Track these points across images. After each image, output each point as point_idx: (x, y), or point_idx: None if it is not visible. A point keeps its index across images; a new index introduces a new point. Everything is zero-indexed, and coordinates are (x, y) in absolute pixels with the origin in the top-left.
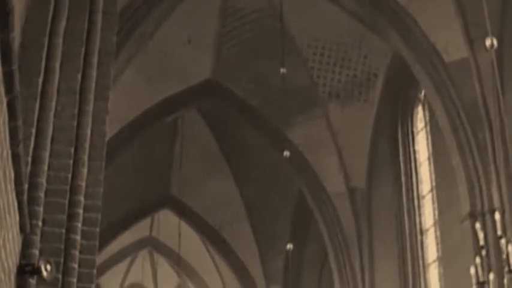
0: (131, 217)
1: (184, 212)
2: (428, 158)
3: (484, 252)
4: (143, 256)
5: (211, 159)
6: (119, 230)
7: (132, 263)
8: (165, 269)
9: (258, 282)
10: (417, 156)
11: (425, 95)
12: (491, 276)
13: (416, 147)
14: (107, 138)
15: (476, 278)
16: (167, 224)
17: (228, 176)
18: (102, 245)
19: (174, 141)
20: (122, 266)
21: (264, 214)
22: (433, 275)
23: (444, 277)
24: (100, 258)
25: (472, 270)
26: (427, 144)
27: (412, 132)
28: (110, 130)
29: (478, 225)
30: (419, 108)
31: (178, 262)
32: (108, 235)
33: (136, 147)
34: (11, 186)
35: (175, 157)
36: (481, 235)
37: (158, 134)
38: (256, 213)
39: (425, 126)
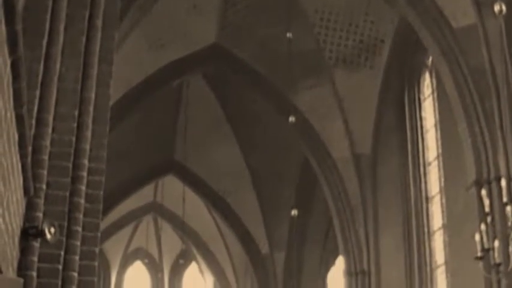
0: (135, 182)
1: (188, 177)
2: (435, 125)
3: (489, 219)
4: (147, 221)
5: (216, 124)
6: (123, 195)
7: (136, 228)
8: (169, 235)
9: (262, 248)
10: (424, 123)
11: (432, 62)
12: (496, 243)
13: (423, 114)
14: (111, 102)
15: (481, 244)
16: (171, 190)
17: (233, 142)
18: (106, 210)
19: (179, 106)
20: (126, 231)
21: (268, 180)
22: (438, 242)
23: (449, 245)
24: (104, 224)
25: (477, 237)
26: (434, 111)
27: (419, 98)
28: (114, 95)
29: (483, 192)
30: (426, 75)
31: (182, 228)
32: (112, 200)
33: (141, 113)
34: (15, 149)
35: (180, 122)
36: (486, 202)
37: (163, 99)
38: (261, 179)
39: (432, 93)
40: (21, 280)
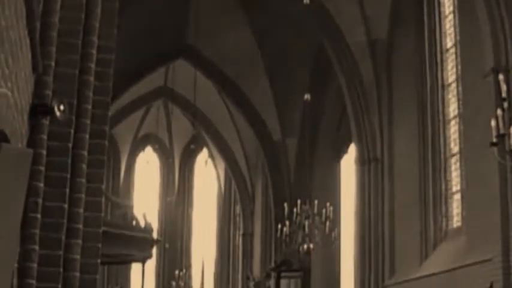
0: (146, 66)
1: (200, 62)
2: (453, 11)
3: (506, 105)
4: (158, 107)
5: (229, 8)
6: (133, 79)
7: (146, 113)
8: (180, 120)
9: (274, 134)
10: (442, 8)
11: None
12: None
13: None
14: None
15: (497, 130)
16: (183, 74)
17: (246, 25)
18: (116, 95)
19: None
20: (136, 116)
21: (281, 65)
22: (453, 130)
23: (464, 133)
24: (114, 108)
25: (493, 123)
26: None
27: None
28: None
29: (501, 77)
30: None
31: (193, 113)
32: (122, 84)
33: None
34: (22, 23)
35: (193, 6)
36: (503, 87)
37: None
38: (273, 63)
39: None
40: (31, 151)
